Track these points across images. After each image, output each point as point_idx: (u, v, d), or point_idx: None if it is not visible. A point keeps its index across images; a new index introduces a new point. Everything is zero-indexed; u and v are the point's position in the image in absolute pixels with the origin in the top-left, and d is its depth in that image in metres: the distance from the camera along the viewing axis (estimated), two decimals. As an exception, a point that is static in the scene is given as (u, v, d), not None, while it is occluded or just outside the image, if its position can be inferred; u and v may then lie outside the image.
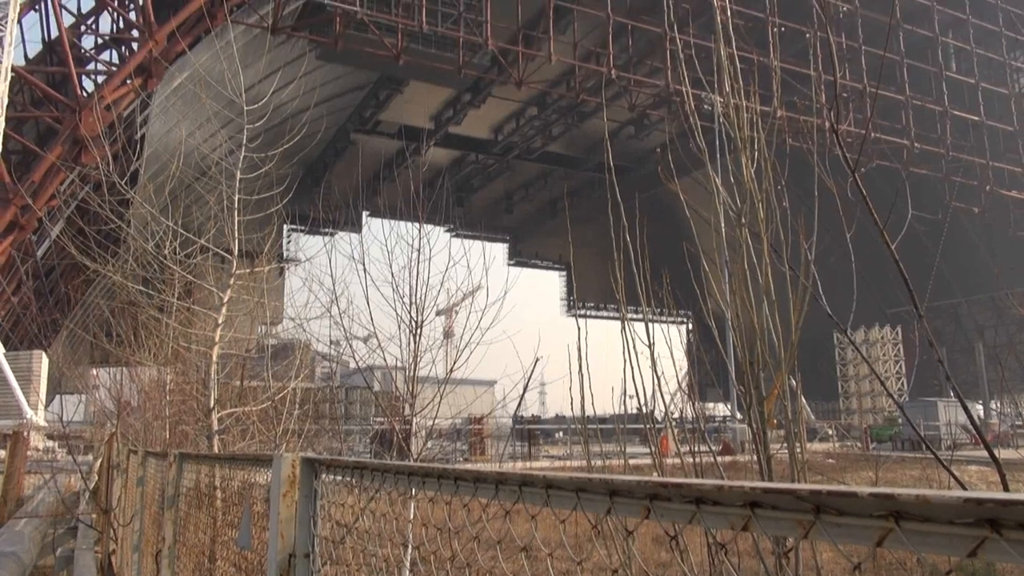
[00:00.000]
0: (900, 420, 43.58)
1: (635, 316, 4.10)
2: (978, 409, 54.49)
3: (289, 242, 54.27)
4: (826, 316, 3.52)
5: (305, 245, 49.50)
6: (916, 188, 44.69)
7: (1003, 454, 3.49)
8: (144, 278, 10.00)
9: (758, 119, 3.82)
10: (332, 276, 9.34)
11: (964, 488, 3.26)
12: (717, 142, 4.85)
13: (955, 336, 61.07)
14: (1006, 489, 2.81)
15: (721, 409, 51.84)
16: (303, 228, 54.62)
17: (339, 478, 2.68)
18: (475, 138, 56.55)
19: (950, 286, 55.55)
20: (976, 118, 47.74)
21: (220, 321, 8.69)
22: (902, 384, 54.09)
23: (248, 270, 9.56)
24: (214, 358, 8.60)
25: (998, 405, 53.92)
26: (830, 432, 51.97)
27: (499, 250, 73.33)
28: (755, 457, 3.34)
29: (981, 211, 48.57)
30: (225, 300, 8.69)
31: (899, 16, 44.82)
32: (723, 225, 3.59)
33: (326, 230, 41.73)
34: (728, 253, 3.62)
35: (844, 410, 58.81)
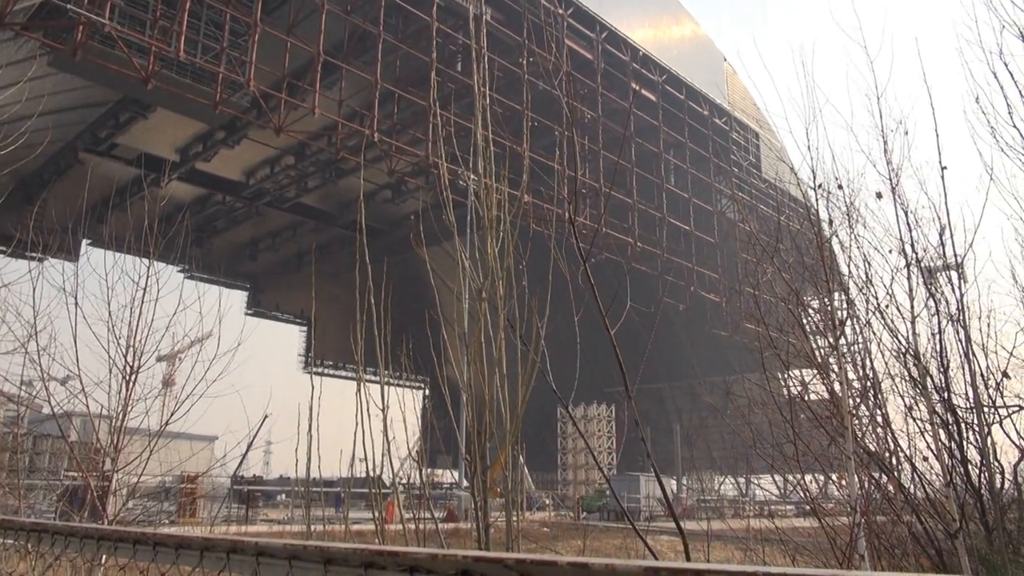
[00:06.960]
0: (608, 492, 47.26)
1: (372, 378, 4.08)
2: (672, 484, 60.86)
3: (-16, 263, 46.82)
4: (552, 391, 3.77)
5: (6, 268, 43.03)
6: (636, 283, 49.92)
7: (689, 525, 3.92)
8: None
9: (506, 201, 4.07)
10: (35, 307, 8.27)
11: (655, 556, 3.60)
12: (469, 217, 5.08)
13: (659, 417, 68.18)
14: (688, 556, 3.15)
15: (449, 476, 52.72)
16: (4, 249, 47.65)
17: (11, 542, 2.32)
18: (224, 178, 53.70)
19: (658, 372, 62.28)
20: (687, 227, 55.27)
21: None
22: (612, 458, 58.86)
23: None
24: None
25: (688, 481, 60.70)
26: (547, 502, 54.93)
27: (238, 298, 69.58)
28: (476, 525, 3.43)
29: (686, 309, 55.38)
30: None
31: (633, 130, 50.79)
32: (466, 297, 3.74)
33: (34, 254, 36.63)
34: (468, 325, 3.77)
35: (562, 481, 62.52)
